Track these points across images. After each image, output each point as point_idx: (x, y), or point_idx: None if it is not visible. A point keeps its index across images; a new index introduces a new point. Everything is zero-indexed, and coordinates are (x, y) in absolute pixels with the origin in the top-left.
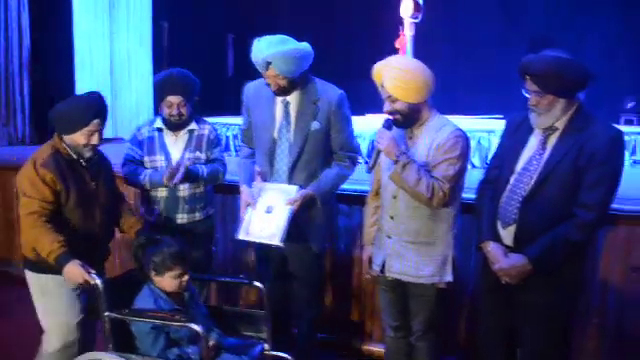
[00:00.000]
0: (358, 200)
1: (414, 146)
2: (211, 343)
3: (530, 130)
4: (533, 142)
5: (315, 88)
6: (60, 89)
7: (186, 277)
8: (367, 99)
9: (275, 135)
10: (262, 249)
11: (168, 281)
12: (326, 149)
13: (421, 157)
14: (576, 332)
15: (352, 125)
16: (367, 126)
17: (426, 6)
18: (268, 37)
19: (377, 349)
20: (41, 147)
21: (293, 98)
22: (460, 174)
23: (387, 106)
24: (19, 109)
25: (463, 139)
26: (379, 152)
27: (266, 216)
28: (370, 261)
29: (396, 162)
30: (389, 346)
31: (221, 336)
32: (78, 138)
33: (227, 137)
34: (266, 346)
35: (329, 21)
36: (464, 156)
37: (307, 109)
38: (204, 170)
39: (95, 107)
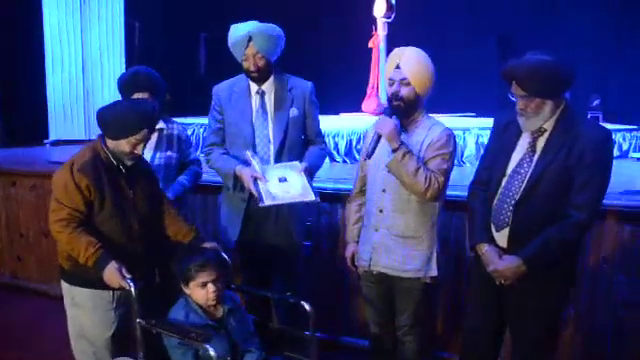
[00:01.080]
0: (339, 199)
1: (407, 140)
2: None
3: (519, 131)
4: (522, 144)
5: (287, 79)
6: (31, 90)
7: (211, 287)
8: (340, 99)
9: (254, 126)
10: (247, 251)
11: (196, 292)
12: (302, 137)
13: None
14: None
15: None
16: (342, 125)
17: (398, 6)
18: (255, 23)
19: (360, 344)
20: (80, 150)
21: (268, 87)
22: (450, 171)
23: (395, 87)
24: None
25: (453, 138)
26: (379, 137)
27: (282, 184)
28: (353, 258)
29: (395, 150)
30: (374, 342)
31: (261, 356)
32: (123, 145)
33: (203, 137)
34: None
35: (301, 22)
36: (454, 154)
37: (284, 97)
38: (186, 181)
39: (149, 117)
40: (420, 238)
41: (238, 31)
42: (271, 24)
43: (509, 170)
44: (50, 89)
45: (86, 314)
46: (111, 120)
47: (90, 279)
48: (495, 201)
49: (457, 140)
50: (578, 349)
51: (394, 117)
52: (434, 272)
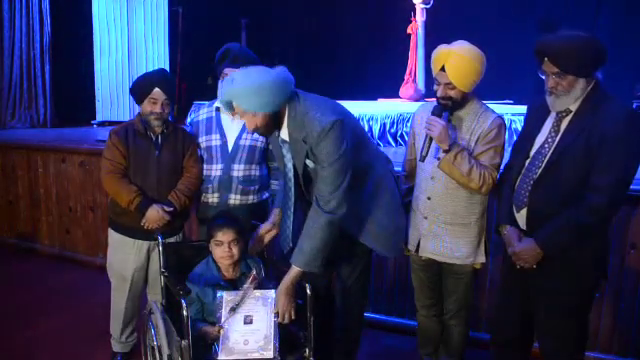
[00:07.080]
0: None
1: (456, 129)
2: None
3: (547, 113)
4: (547, 126)
5: (303, 121)
6: (80, 75)
7: (227, 246)
8: (379, 85)
9: (284, 165)
10: None
11: (215, 250)
12: None
13: (462, 140)
14: None
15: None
16: (377, 109)
17: None
18: (234, 74)
19: (410, 324)
20: None
21: (285, 135)
22: (502, 161)
23: (441, 91)
24: (41, 93)
25: (504, 127)
26: (431, 140)
27: (246, 327)
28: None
29: (447, 151)
30: (421, 324)
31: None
32: (145, 107)
33: None
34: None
35: (340, 7)
36: (505, 143)
37: (298, 148)
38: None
39: (154, 77)
40: (469, 225)
41: (219, 95)
42: (255, 76)
43: (532, 152)
44: (98, 74)
45: (112, 252)
46: (132, 88)
47: (120, 225)
48: (517, 182)
49: (512, 126)
50: (603, 334)
51: (444, 115)
52: (482, 258)
